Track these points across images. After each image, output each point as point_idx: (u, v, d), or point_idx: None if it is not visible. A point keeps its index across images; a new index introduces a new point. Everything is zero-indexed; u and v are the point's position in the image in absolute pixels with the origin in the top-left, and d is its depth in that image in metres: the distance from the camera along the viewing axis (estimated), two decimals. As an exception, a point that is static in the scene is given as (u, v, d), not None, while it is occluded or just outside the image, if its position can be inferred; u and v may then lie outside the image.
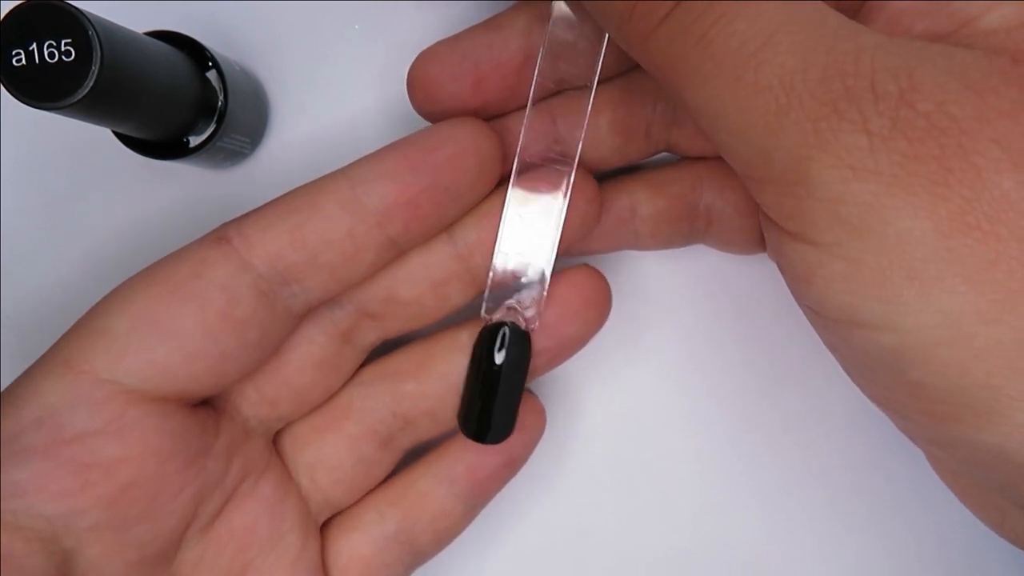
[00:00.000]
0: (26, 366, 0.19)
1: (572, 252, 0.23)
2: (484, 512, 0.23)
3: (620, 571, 0.25)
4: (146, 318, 0.18)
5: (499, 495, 0.23)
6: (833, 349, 0.18)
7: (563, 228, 0.21)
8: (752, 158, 0.16)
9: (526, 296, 0.21)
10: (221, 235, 0.19)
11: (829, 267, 0.15)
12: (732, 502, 0.25)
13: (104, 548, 0.18)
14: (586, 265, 0.22)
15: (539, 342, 0.21)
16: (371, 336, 0.22)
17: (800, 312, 0.24)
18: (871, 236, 0.14)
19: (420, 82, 0.20)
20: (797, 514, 0.25)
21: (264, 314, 0.19)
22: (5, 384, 0.19)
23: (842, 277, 0.15)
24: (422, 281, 0.21)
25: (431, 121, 0.21)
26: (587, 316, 0.22)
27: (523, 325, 0.21)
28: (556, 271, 0.21)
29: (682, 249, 0.24)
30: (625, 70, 0.21)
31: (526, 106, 0.20)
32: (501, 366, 0.21)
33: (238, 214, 0.25)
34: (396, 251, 0.20)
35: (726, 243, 0.23)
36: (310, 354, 0.21)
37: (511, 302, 0.21)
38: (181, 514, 0.19)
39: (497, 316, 0.21)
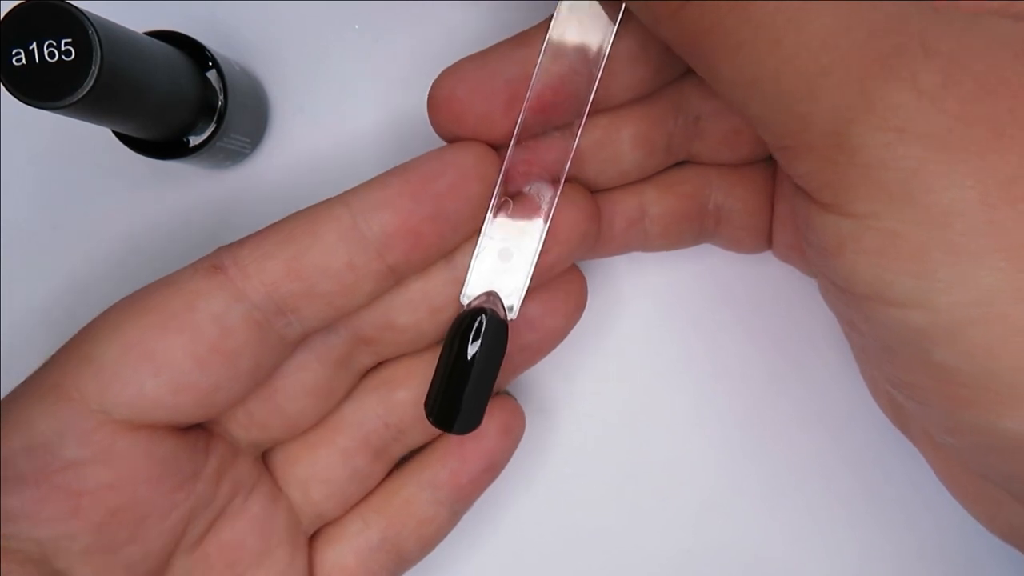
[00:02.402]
0: (27, 367, 0.19)
1: (581, 257, 0.22)
2: (470, 516, 0.23)
3: (608, 563, 0.25)
4: (137, 348, 0.18)
5: (496, 499, 0.23)
6: (853, 329, 0.18)
7: (562, 243, 0.21)
8: (790, 125, 0.15)
9: (507, 284, 0.21)
10: (216, 263, 0.19)
11: (862, 240, 0.15)
12: (732, 502, 0.25)
13: (95, 569, 0.18)
14: None
15: (520, 337, 0.21)
16: (366, 360, 0.22)
17: (803, 312, 0.25)
18: (912, 206, 0.14)
19: (446, 103, 0.19)
20: (796, 514, 0.25)
21: (257, 345, 0.19)
22: (5, 381, 0.19)
23: (875, 250, 0.15)
24: (420, 308, 0.20)
25: (451, 142, 0.20)
26: (565, 308, 0.22)
27: (502, 314, 0.20)
28: None
29: (686, 249, 0.24)
30: (645, 93, 0.21)
31: (558, 128, 0.20)
32: (475, 354, 0.20)
33: (238, 214, 0.25)
34: (395, 279, 0.20)
35: (734, 242, 0.23)
36: (303, 381, 0.21)
37: (492, 288, 0.21)
38: (170, 535, 0.19)
39: (476, 303, 0.20)
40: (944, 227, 0.14)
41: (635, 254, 0.25)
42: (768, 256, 0.23)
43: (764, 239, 0.22)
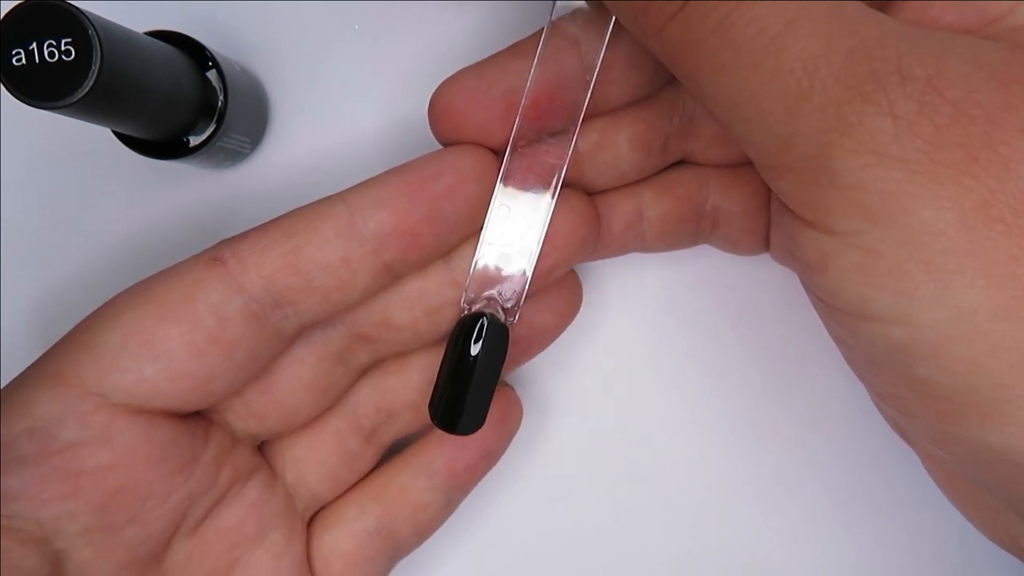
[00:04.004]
0: (27, 364, 0.19)
1: (580, 261, 0.22)
2: (468, 515, 0.24)
3: (605, 563, 0.26)
4: (136, 336, 0.18)
5: (489, 488, 0.24)
6: (840, 342, 0.18)
7: (560, 249, 0.21)
8: (771, 146, 0.15)
9: (507, 288, 0.21)
10: (216, 255, 0.19)
11: (844, 257, 0.15)
12: (730, 502, 0.25)
13: (95, 549, 0.18)
14: None
15: (515, 331, 0.21)
16: (364, 357, 0.22)
17: (800, 314, 0.25)
18: (891, 226, 0.14)
19: (446, 113, 0.20)
20: (795, 515, 0.25)
21: (254, 336, 0.19)
22: (5, 380, 0.19)
23: (857, 268, 0.15)
24: (417, 307, 0.21)
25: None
26: (557, 307, 0.22)
27: (502, 318, 0.21)
28: None
29: (684, 250, 0.24)
30: (641, 97, 0.21)
31: (556, 133, 0.20)
32: (476, 357, 0.20)
33: (238, 214, 0.25)
34: (392, 276, 0.20)
35: (731, 244, 0.23)
36: (300, 375, 0.21)
37: (491, 293, 0.21)
38: (170, 517, 0.19)
39: (476, 307, 0.21)
40: (923, 246, 0.14)
41: (634, 254, 0.25)
42: (766, 258, 0.23)
43: (761, 241, 0.22)
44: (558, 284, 0.22)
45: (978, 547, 0.24)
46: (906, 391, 0.16)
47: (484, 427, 0.22)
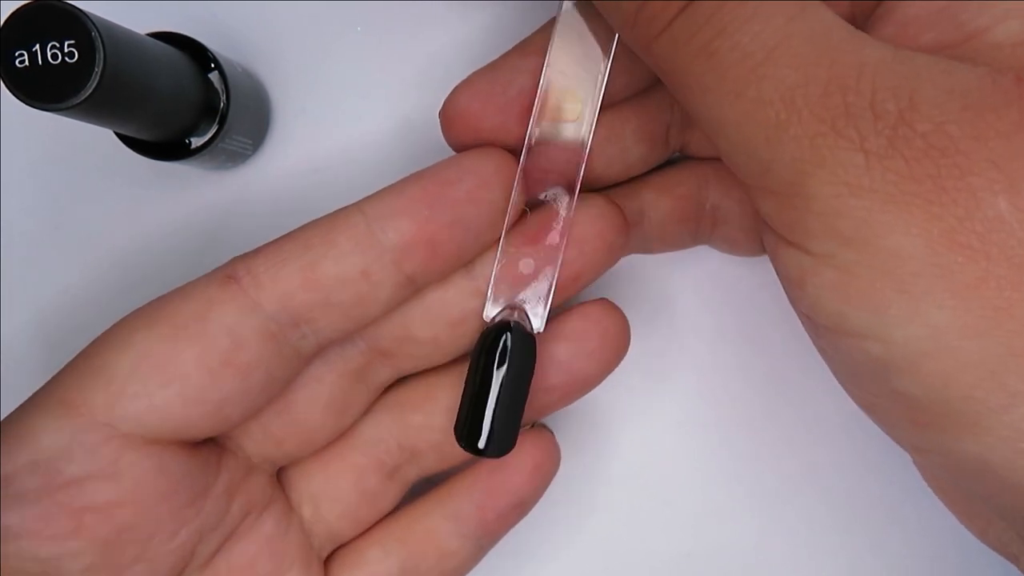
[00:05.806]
0: (27, 368, 0.19)
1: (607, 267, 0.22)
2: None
3: (606, 564, 0.25)
4: (148, 359, 0.17)
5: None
6: (823, 354, 0.18)
7: (587, 254, 0.20)
8: (752, 168, 0.16)
9: (531, 294, 0.20)
10: (230, 273, 0.18)
11: (822, 275, 0.15)
12: (731, 504, 0.25)
13: None
14: (604, 299, 0.21)
15: (552, 378, 0.20)
16: (384, 375, 0.21)
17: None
18: (864, 249, 0.15)
19: (460, 119, 0.19)
20: (795, 517, 0.25)
21: (271, 357, 0.18)
22: (6, 381, 0.18)
23: (833, 285, 0.15)
24: (439, 319, 0.20)
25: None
26: (604, 355, 0.21)
27: (527, 327, 0.20)
28: (572, 303, 0.20)
29: (684, 252, 0.24)
30: (643, 88, 0.21)
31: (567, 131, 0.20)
32: (504, 373, 0.19)
33: (239, 215, 0.25)
34: (413, 288, 0.19)
35: (731, 243, 0.23)
36: (319, 394, 0.20)
37: (516, 301, 0.20)
38: (178, 555, 0.18)
39: (500, 317, 0.20)
40: (894, 269, 0.14)
41: (633, 256, 0.25)
42: (766, 260, 0.23)
43: (761, 242, 0.22)
44: (606, 329, 0.21)
45: (975, 551, 0.24)
46: (886, 402, 0.16)
47: (518, 474, 0.21)
